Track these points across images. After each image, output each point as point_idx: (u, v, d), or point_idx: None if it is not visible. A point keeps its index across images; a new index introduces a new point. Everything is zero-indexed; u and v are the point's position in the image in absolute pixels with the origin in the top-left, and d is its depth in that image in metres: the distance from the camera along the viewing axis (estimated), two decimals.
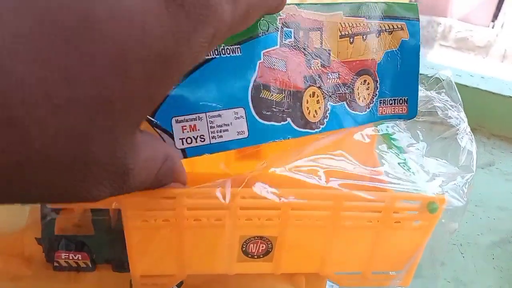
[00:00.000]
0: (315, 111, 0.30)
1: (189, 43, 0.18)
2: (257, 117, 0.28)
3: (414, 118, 0.37)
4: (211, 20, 0.18)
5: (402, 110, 0.34)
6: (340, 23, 0.30)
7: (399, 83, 0.33)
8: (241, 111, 0.28)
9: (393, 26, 0.32)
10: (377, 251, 0.32)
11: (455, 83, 0.36)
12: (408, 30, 0.33)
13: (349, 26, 0.31)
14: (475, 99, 0.80)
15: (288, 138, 0.30)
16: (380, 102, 0.33)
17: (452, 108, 0.35)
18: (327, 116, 0.31)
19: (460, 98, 0.36)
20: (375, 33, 0.32)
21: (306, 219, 0.29)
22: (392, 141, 0.34)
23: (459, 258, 0.52)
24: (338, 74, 0.31)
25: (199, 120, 0.27)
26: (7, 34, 0.14)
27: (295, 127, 0.30)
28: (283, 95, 0.29)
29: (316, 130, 0.31)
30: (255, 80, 0.28)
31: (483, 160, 0.72)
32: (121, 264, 0.33)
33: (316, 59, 0.30)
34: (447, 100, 0.35)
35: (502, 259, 0.57)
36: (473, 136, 0.34)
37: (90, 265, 0.33)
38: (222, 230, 0.29)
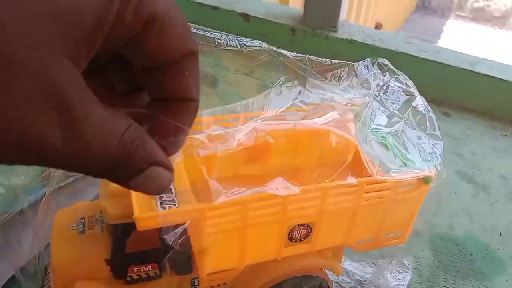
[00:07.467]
0: None
1: None
2: None
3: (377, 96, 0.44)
4: None
5: None
6: None
7: None
8: None
9: None
10: (386, 220, 0.41)
11: None
12: None
13: None
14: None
15: None
16: None
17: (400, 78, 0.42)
18: None
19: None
20: None
21: (338, 203, 0.37)
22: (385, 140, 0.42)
23: None
24: None
25: None
26: None
27: None
28: None
29: None
30: None
31: None
32: (184, 268, 0.39)
33: None
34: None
35: None
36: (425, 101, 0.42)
37: (159, 274, 0.39)
38: (275, 224, 0.36)
